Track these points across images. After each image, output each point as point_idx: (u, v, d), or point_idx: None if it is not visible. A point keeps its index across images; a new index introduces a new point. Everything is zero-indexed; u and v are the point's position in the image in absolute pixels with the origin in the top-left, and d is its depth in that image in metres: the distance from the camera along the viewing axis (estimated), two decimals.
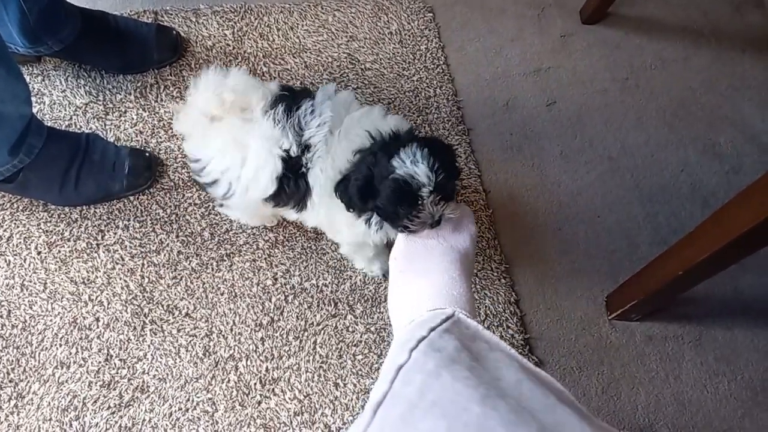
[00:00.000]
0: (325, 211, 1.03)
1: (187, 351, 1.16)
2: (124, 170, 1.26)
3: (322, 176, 0.97)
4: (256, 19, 1.56)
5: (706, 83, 1.62)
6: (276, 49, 1.52)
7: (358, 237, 1.04)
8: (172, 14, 1.55)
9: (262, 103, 0.98)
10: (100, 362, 1.14)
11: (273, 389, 1.14)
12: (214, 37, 1.52)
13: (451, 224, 0.90)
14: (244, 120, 0.97)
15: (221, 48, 1.50)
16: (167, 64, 1.45)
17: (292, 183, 0.99)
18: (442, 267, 0.83)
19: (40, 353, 1.14)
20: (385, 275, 1.24)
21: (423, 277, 0.82)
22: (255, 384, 1.14)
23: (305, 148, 0.97)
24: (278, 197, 1.03)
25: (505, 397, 0.53)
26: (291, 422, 1.12)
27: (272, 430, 1.11)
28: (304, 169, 0.98)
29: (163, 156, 1.35)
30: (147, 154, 1.31)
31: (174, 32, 1.46)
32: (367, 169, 0.89)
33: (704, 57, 1.66)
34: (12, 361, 1.13)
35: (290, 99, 1.00)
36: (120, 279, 1.22)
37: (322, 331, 1.20)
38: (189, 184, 1.32)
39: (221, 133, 0.98)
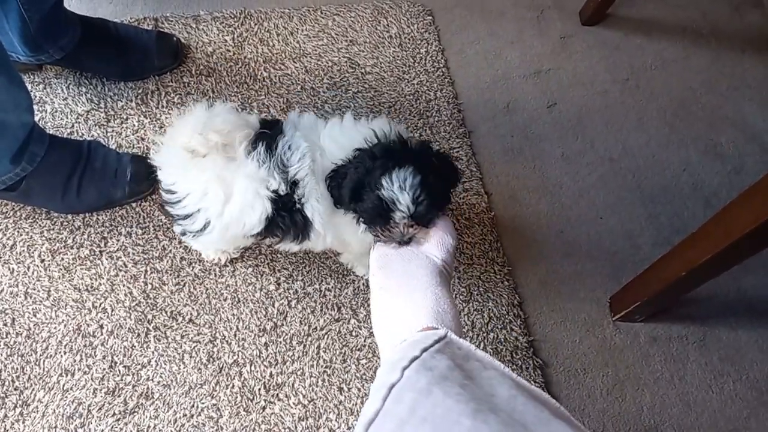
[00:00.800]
0: (332, 234, 1.02)
1: (191, 357, 1.16)
2: (126, 177, 1.26)
3: (320, 205, 0.97)
4: (256, 24, 1.57)
5: (706, 83, 1.62)
6: (276, 54, 1.53)
7: (366, 246, 1.04)
8: (172, 21, 1.55)
9: (245, 143, 0.95)
10: (104, 369, 1.14)
11: (277, 394, 1.14)
12: (215, 43, 1.52)
13: (426, 235, 0.91)
14: (228, 159, 0.95)
15: (221, 54, 1.51)
16: (168, 70, 1.46)
17: (287, 220, 0.98)
18: (424, 282, 0.83)
19: (44, 361, 1.14)
20: None
21: (406, 293, 0.82)
22: (259, 389, 1.14)
23: (293, 184, 0.95)
24: (270, 232, 1.02)
25: (497, 411, 0.53)
26: (296, 427, 1.12)
27: None
28: (298, 205, 0.97)
29: None
30: (149, 161, 1.30)
31: (174, 39, 1.46)
32: (363, 173, 0.90)
33: (704, 57, 1.66)
34: (17, 368, 1.13)
35: (269, 137, 0.97)
36: (123, 286, 1.22)
37: (326, 336, 1.20)
38: None
39: (203, 170, 0.95)
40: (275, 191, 0.95)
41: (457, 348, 0.68)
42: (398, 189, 0.87)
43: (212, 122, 0.93)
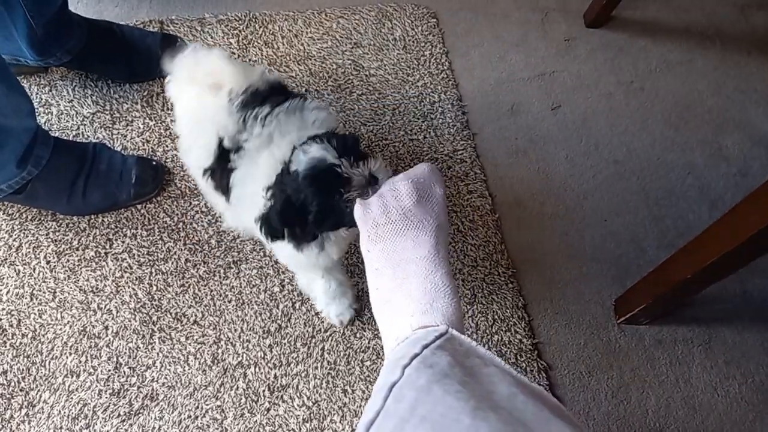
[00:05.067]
0: (235, 214, 1.03)
1: (195, 358, 1.17)
2: (131, 179, 1.27)
3: (240, 180, 0.96)
4: (260, 27, 1.57)
5: (711, 86, 1.61)
6: (281, 56, 1.53)
7: (297, 256, 0.97)
8: (177, 24, 1.56)
9: (232, 87, 0.98)
10: (109, 370, 1.15)
11: (281, 396, 1.14)
12: (220, 45, 1.53)
13: (413, 192, 0.80)
14: (217, 97, 0.99)
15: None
16: None
17: (218, 174, 0.99)
18: (421, 267, 0.76)
19: (50, 362, 1.15)
20: (350, 321, 1.21)
21: (403, 282, 0.77)
22: (263, 391, 1.15)
23: (238, 148, 0.95)
24: (215, 179, 1.02)
25: (496, 409, 0.53)
26: (300, 429, 1.12)
27: None
28: (231, 166, 0.96)
29: (170, 164, 1.36)
30: (154, 163, 1.31)
31: (179, 41, 1.47)
32: (281, 192, 0.86)
33: (709, 59, 1.66)
34: (22, 369, 1.14)
35: (261, 97, 0.98)
36: (128, 287, 1.22)
37: (330, 338, 1.21)
38: (196, 192, 1.32)
39: (194, 107, 1.02)
40: (221, 139, 0.97)
41: (458, 344, 0.67)
42: (304, 154, 0.83)
43: (202, 65, 1.02)
